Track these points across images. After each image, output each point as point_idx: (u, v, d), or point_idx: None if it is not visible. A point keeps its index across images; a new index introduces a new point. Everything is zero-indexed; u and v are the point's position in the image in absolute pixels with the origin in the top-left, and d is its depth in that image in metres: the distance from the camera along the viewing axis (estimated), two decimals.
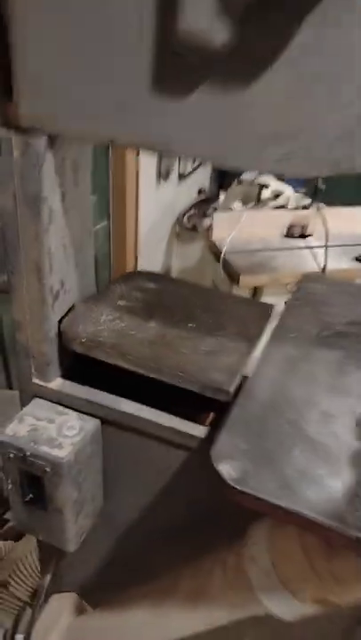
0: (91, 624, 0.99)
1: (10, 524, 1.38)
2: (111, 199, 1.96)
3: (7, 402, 1.46)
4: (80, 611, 1.07)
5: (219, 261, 1.72)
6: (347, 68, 0.43)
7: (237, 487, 0.53)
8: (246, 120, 0.48)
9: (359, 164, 0.48)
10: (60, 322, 0.76)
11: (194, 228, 2.04)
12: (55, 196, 0.66)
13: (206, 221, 1.93)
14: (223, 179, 2.29)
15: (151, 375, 0.72)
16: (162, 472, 0.79)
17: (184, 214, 2.18)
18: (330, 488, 0.53)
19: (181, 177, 2.15)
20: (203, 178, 2.46)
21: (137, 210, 1.89)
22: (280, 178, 1.84)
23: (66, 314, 0.77)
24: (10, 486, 0.78)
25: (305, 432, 0.60)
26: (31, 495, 0.78)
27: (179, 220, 2.17)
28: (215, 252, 1.76)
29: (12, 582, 1.41)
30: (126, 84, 0.50)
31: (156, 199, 1.99)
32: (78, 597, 1.08)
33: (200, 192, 2.34)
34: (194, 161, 2.17)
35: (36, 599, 1.07)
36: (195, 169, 2.26)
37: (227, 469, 0.54)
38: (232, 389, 0.68)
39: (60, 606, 1.07)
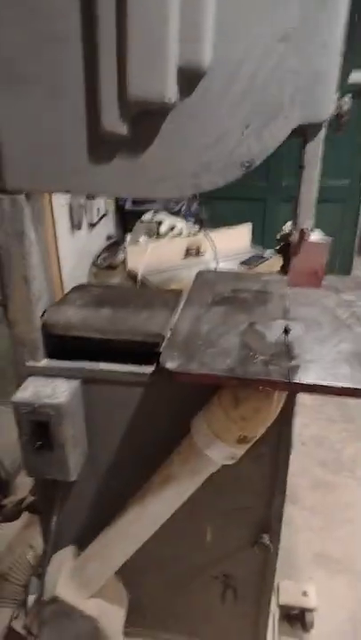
0: (87, 553, 1.27)
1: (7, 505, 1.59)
2: None
3: None
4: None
5: (137, 284, 2.14)
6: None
7: (177, 371, 0.91)
8: (143, 172, 0.90)
9: (216, 183, 0.90)
10: (41, 317, 1.11)
11: (110, 266, 2.44)
12: (31, 231, 1.03)
13: (120, 257, 2.34)
14: (126, 223, 2.74)
15: (109, 337, 1.09)
16: (128, 408, 1.14)
17: (98, 256, 2.58)
18: (226, 362, 0.93)
19: (91, 225, 2.56)
20: (109, 225, 2.90)
21: (57, 255, 2.25)
22: (171, 212, 2.34)
23: (43, 313, 1.13)
24: (23, 438, 1.09)
25: (210, 342, 1.01)
26: (39, 442, 1.09)
27: (94, 262, 2.56)
28: (133, 277, 2.17)
29: (12, 574, 1.62)
30: (74, 159, 0.90)
31: (73, 246, 2.36)
32: (75, 548, 1.35)
33: (109, 237, 2.77)
34: (99, 212, 2.60)
35: (42, 555, 1.33)
36: (100, 218, 2.68)
37: (170, 365, 0.93)
38: (165, 334, 1.07)
39: (61, 558, 1.33)
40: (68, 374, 1.12)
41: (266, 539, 1.25)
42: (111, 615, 1.36)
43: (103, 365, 1.11)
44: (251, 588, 1.36)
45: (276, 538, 1.26)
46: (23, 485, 1.56)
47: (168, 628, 1.50)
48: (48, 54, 0.83)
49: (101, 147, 0.87)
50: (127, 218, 2.52)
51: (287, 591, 1.70)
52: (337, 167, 3.59)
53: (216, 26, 0.77)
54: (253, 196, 3.10)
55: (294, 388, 0.94)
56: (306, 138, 0.85)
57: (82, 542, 1.32)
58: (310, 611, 1.65)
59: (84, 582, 1.28)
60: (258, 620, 1.40)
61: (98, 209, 2.43)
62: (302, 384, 0.89)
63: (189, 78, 0.81)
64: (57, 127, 0.88)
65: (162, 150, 0.86)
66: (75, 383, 1.11)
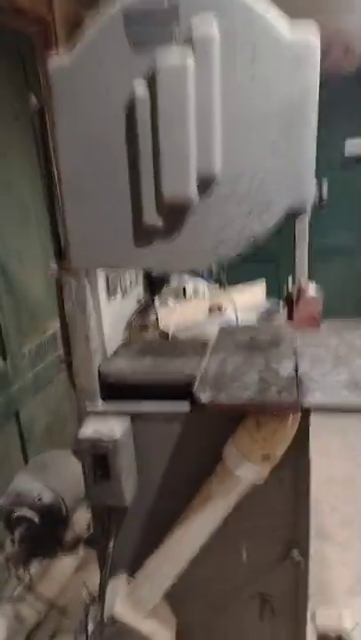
0: (139, 575, 1.45)
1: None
2: None
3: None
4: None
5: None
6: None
7: (208, 401, 1.16)
8: (174, 251, 1.19)
9: (232, 253, 1.18)
10: (98, 368, 1.38)
11: (142, 327, 2.73)
12: (90, 300, 1.32)
13: (151, 317, 2.64)
14: (154, 288, 3.07)
15: (153, 381, 1.35)
16: (170, 441, 1.37)
17: (132, 319, 2.89)
18: (247, 393, 1.18)
19: (124, 292, 2.89)
20: (139, 291, 3.24)
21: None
22: (195, 275, 2.66)
23: (99, 365, 1.40)
24: (86, 469, 1.32)
25: (234, 378, 1.25)
26: (100, 472, 1.33)
27: (128, 324, 2.86)
28: (164, 335, 2.46)
29: (69, 609, 1.79)
30: (124, 242, 1.20)
31: (110, 311, 2.66)
32: (127, 575, 1.53)
33: (140, 301, 3.10)
34: (130, 279, 2.94)
35: (100, 580, 1.51)
36: (131, 285, 3.02)
37: (203, 397, 1.18)
38: (197, 374, 1.32)
39: (116, 583, 1.51)
40: (120, 414, 1.37)
41: (296, 554, 1.42)
42: (163, 636, 1.51)
43: (148, 404, 1.36)
44: (287, 604, 1.51)
45: (305, 553, 1.43)
46: (79, 521, 1.76)
47: None
48: (104, 175, 1.15)
49: (143, 234, 1.18)
50: (155, 283, 2.84)
51: (323, 616, 1.82)
52: (346, 227, 4.00)
53: (223, 147, 1.09)
54: (267, 257, 3.41)
55: (301, 409, 1.17)
56: (294, 218, 1.14)
57: (134, 569, 1.50)
58: (347, 633, 1.76)
59: (138, 603, 1.45)
60: (297, 635, 1.54)
61: (129, 277, 2.76)
62: (307, 405, 1.12)
63: (205, 183, 1.12)
64: (109, 222, 1.19)
65: (187, 234, 1.16)
66: (126, 421, 1.36)
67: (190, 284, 2.61)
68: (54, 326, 2.66)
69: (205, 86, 1.04)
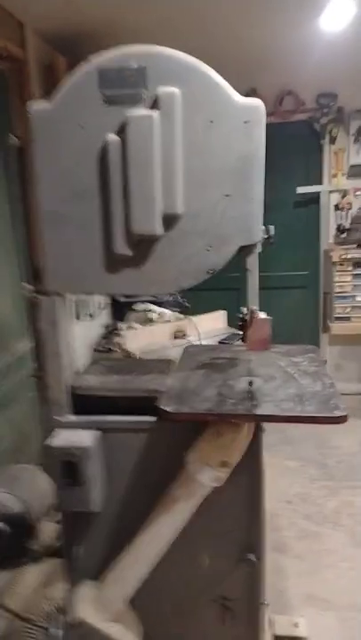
0: (106, 579, 1.53)
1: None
2: None
3: None
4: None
5: None
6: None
7: (172, 411, 1.29)
8: (142, 278, 1.34)
9: (193, 282, 1.34)
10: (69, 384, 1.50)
11: (109, 350, 2.85)
12: (61, 320, 1.45)
13: (117, 340, 2.77)
14: (120, 314, 3.21)
15: (120, 395, 1.47)
16: (137, 451, 1.49)
17: (99, 342, 3.01)
18: (207, 405, 1.32)
19: (90, 316, 3.02)
20: (106, 316, 3.37)
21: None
22: (158, 303, 2.82)
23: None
24: (56, 476, 1.42)
25: (195, 393, 1.40)
26: (70, 479, 1.42)
27: (95, 348, 2.98)
28: (130, 357, 2.59)
29: (32, 617, 1.82)
30: (95, 271, 1.34)
31: (78, 334, 2.78)
32: (94, 581, 1.60)
33: (106, 327, 3.23)
34: (97, 305, 3.07)
35: (67, 584, 1.58)
36: (99, 309, 3.16)
37: (167, 408, 1.31)
38: (162, 390, 1.46)
39: (83, 588, 1.58)
40: (87, 426, 1.48)
41: (251, 556, 1.54)
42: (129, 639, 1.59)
43: (115, 418, 1.48)
44: (245, 607, 1.62)
45: (260, 556, 1.56)
46: (45, 532, 1.82)
47: None
48: (78, 208, 1.30)
49: (114, 262, 1.33)
50: (121, 309, 2.98)
51: (280, 624, 1.93)
52: (299, 262, 4.30)
53: (185, 191, 1.26)
54: (229, 286, 3.63)
55: (254, 419, 1.32)
56: (246, 253, 1.31)
57: (100, 575, 1.58)
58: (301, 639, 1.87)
59: (105, 606, 1.53)
60: (256, 638, 1.64)
61: (96, 302, 2.90)
62: (259, 415, 1.27)
63: (169, 220, 1.28)
64: (83, 250, 1.33)
65: (154, 264, 1.32)
66: (95, 432, 1.47)
67: (155, 310, 2.76)
68: (21, 346, 2.74)
69: (169, 137, 1.22)
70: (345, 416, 1.28)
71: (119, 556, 1.51)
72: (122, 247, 1.29)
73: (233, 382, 1.49)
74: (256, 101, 1.22)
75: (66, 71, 2.92)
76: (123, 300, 3.07)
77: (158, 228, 1.27)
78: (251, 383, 1.47)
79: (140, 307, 2.78)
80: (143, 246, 1.30)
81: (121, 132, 1.22)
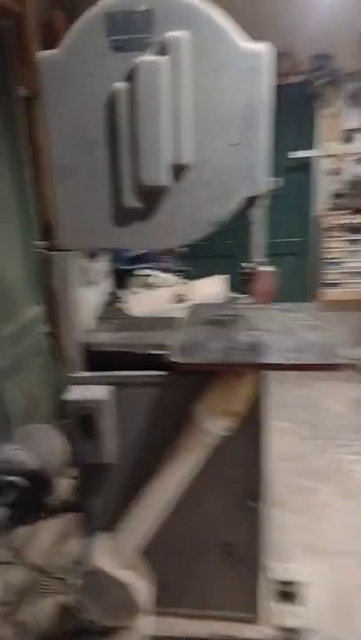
0: (119, 528, 1.59)
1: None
2: None
3: None
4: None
5: None
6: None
7: (181, 362, 1.33)
8: (151, 231, 1.35)
9: (198, 237, 1.36)
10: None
11: (113, 316, 2.87)
12: (74, 276, 1.46)
13: (120, 306, 2.79)
14: (122, 281, 3.23)
15: (130, 350, 1.50)
16: (148, 405, 1.53)
17: (101, 310, 3.02)
18: (214, 356, 1.35)
19: (93, 283, 3.02)
20: (108, 283, 3.40)
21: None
22: (158, 269, 2.85)
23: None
24: (73, 429, 1.45)
25: (202, 346, 1.43)
26: (85, 433, 1.46)
27: (99, 315, 3.00)
28: None
29: (49, 570, 1.88)
30: (104, 224, 1.35)
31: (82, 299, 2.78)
32: (109, 533, 1.65)
33: (109, 293, 3.27)
34: (99, 272, 3.07)
35: (84, 534, 1.63)
36: (100, 277, 3.16)
37: (177, 359, 1.34)
38: (170, 344, 1.49)
39: (98, 538, 1.63)
40: (100, 381, 1.51)
41: (253, 503, 1.61)
42: (141, 587, 1.65)
43: (127, 373, 1.51)
44: (248, 552, 1.69)
45: (262, 502, 1.62)
46: (61, 488, 1.87)
47: (182, 604, 1.78)
48: (87, 155, 1.29)
49: (123, 215, 1.33)
50: (123, 276, 2.99)
51: (279, 570, 2.02)
52: (293, 229, 4.30)
53: (192, 139, 1.26)
54: (226, 253, 3.65)
55: (259, 367, 1.36)
56: (252, 205, 1.33)
57: (115, 525, 1.62)
58: (298, 585, 1.97)
59: (119, 555, 1.59)
60: (253, 582, 1.72)
61: (100, 270, 2.90)
62: (263, 363, 1.31)
63: (178, 170, 1.29)
64: (93, 204, 1.34)
65: (162, 216, 1.33)
66: (108, 387, 1.49)
67: (156, 276, 2.78)
68: (30, 313, 2.74)
69: (177, 83, 1.21)
70: (346, 364, 1.32)
71: (131, 508, 1.56)
72: (131, 200, 1.29)
73: (238, 336, 1.53)
74: (262, 47, 1.22)
75: (65, 28, 2.84)
76: (123, 267, 3.07)
77: (166, 179, 1.27)
78: (254, 337, 1.51)
79: (139, 272, 2.80)
80: (151, 199, 1.31)
81: (129, 79, 1.21)
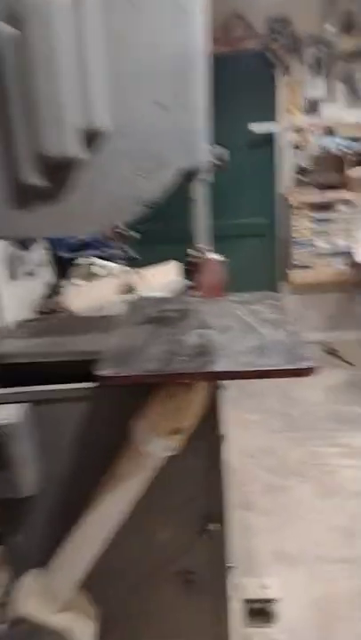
0: (51, 567, 1.35)
1: None
2: None
3: None
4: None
5: None
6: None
7: (109, 375, 1.08)
8: (63, 214, 1.09)
9: (127, 218, 1.10)
10: None
11: (52, 311, 2.59)
12: None
13: (60, 299, 2.51)
14: (63, 271, 2.92)
15: (49, 360, 1.24)
16: (75, 423, 1.28)
17: (40, 303, 2.73)
18: (153, 365, 1.11)
19: (29, 275, 2.72)
20: (47, 274, 3.08)
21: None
22: (104, 257, 2.56)
23: None
24: None
25: (139, 352, 1.18)
26: None
27: (37, 308, 2.70)
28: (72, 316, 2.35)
29: None
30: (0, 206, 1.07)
31: (12, 294, 2.49)
32: (39, 570, 1.42)
33: (48, 285, 2.94)
34: (39, 261, 2.77)
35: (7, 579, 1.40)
36: (38, 268, 2.86)
37: (104, 372, 1.09)
38: (101, 351, 1.24)
39: (26, 580, 1.40)
40: (15, 399, 1.25)
41: (212, 526, 1.39)
42: (81, 628, 1.43)
43: (46, 387, 1.25)
44: (209, 579, 1.48)
45: (222, 525, 1.41)
46: None
47: (140, 636, 1.58)
48: None
49: (24, 196, 1.06)
50: (64, 266, 2.70)
51: (248, 587, 1.83)
52: (256, 208, 4.06)
53: (109, 100, 0.99)
54: (175, 237, 3.39)
55: (206, 377, 1.12)
56: (191, 180, 1.07)
57: (45, 563, 1.41)
58: (272, 602, 1.78)
59: (51, 597, 1.36)
60: (220, 609, 1.52)
61: (35, 259, 2.61)
62: (212, 372, 1.07)
63: (90, 138, 1.02)
64: None
65: (76, 196, 1.06)
66: (24, 406, 1.24)
67: (98, 263, 2.51)
68: None
69: (81, 26, 0.94)
70: (312, 368, 1.10)
71: (65, 541, 1.33)
72: (31, 175, 1.02)
73: (184, 337, 1.28)
74: None
75: None
76: (64, 255, 2.78)
77: (75, 149, 1.00)
78: (204, 337, 1.27)
79: (81, 261, 2.52)
80: (60, 174, 1.04)
81: (14, 20, 0.93)
